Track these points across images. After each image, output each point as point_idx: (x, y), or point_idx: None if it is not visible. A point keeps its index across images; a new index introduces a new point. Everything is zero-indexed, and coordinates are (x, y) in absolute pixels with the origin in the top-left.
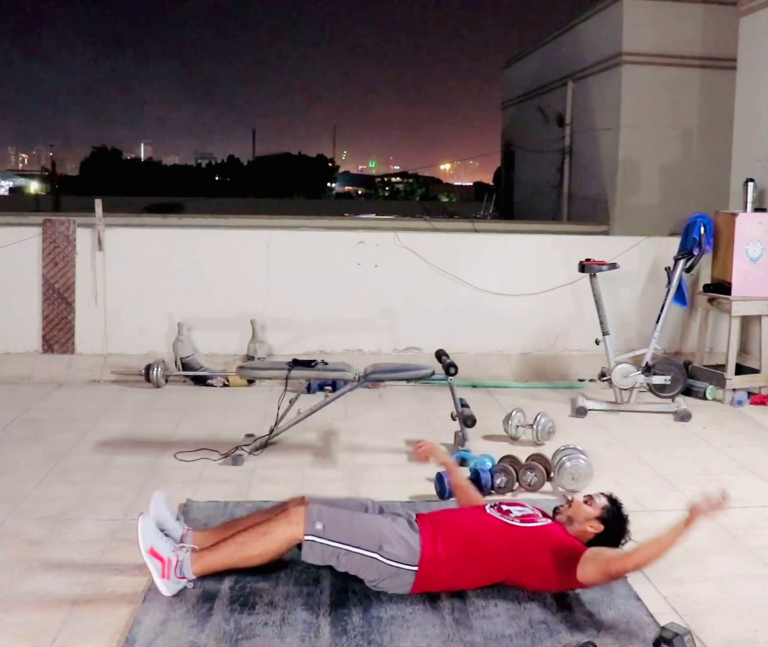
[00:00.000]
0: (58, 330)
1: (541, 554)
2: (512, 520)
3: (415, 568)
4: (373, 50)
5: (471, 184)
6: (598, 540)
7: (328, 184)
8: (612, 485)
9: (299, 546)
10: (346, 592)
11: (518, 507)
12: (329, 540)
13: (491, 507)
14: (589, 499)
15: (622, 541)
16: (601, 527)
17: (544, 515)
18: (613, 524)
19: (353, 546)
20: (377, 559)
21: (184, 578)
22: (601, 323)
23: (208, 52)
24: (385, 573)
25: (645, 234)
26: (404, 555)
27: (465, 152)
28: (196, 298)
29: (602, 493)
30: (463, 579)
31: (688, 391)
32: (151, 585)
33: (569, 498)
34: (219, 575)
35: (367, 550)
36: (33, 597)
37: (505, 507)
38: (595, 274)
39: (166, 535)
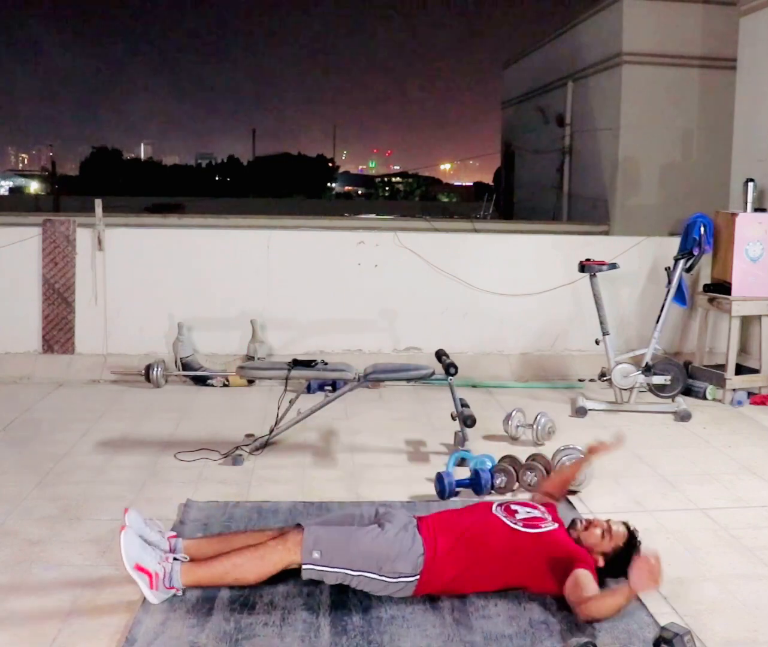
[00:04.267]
0: (58, 331)
1: (540, 560)
2: (515, 523)
3: (417, 577)
4: (373, 50)
5: (471, 184)
6: (602, 566)
7: (328, 184)
8: (612, 485)
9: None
10: (346, 592)
11: (526, 509)
12: (328, 566)
13: (498, 506)
14: (607, 534)
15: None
16: (602, 564)
17: (554, 518)
18: (616, 565)
19: (353, 570)
20: (377, 579)
21: (173, 588)
22: (601, 323)
23: (208, 52)
24: (390, 588)
25: (645, 234)
26: (405, 569)
27: (465, 152)
28: (196, 298)
29: (624, 525)
30: (465, 581)
31: (688, 391)
32: None
33: (590, 520)
34: None
35: (367, 572)
36: (33, 597)
37: (513, 507)
38: (595, 274)
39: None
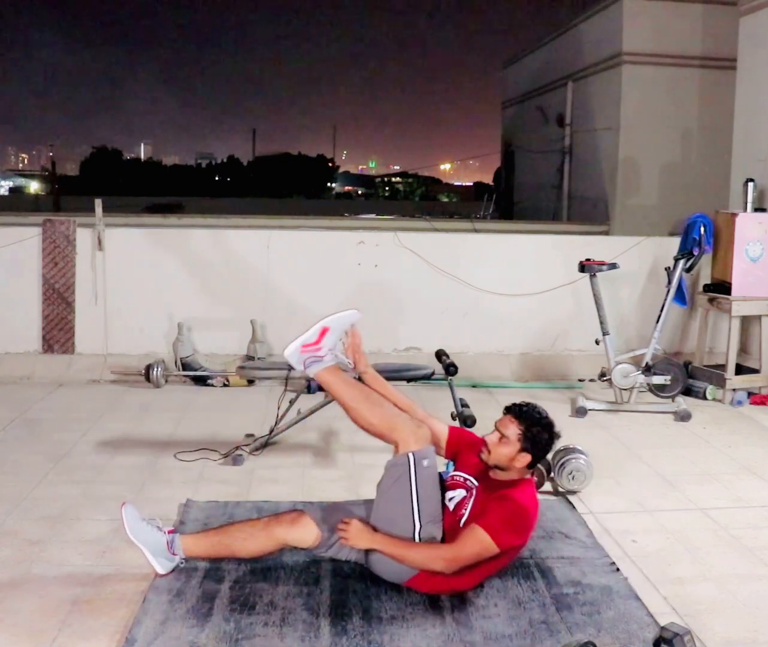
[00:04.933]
0: (58, 330)
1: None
2: (454, 513)
3: None
4: (373, 50)
5: (471, 184)
6: (533, 464)
7: (328, 184)
8: (612, 485)
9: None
10: (346, 592)
11: (455, 491)
12: (419, 479)
13: (449, 500)
14: (500, 434)
15: (553, 446)
16: (528, 456)
17: (479, 475)
18: (537, 445)
19: (418, 506)
20: (414, 529)
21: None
22: (601, 323)
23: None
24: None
25: (645, 234)
26: (432, 533)
27: (465, 152)
28: (196, 298)
29: (507, 409)
30: (457, 580)
31: (688, 391)
32: (151, 585)
33: (484, 442)
34: (219, 575)
35: (419, 518)
36: (33, 597)
37: (449, 493)
38: (595, 274)
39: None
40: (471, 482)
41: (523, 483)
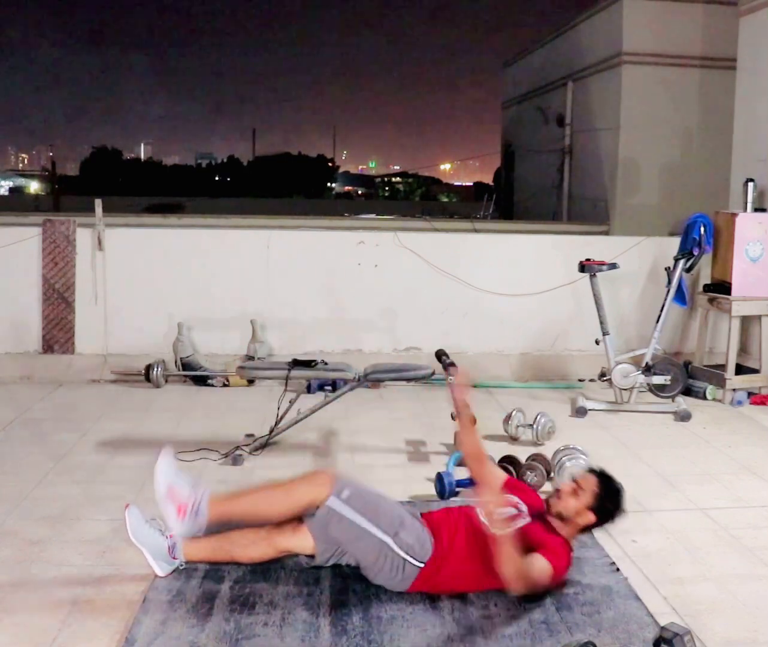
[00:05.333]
0: (58, 330)
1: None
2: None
3: (422, 564)
4: (373, 50)
5: (471, 184)
6: (590, 529)
7: (328, 184)
8: None
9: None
10: (346, 592)
11: (504, 508)
12: (352, 509)
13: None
14: (577, 488)
15: (618, 518)
16: (593, 518)
17: (531, 510)
18: (605, 511)
19: (372, 524)
20: (388, 545)
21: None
22: (601, 323)
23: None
24: (389, 563)
25: (645, 234)
26: (416, 549)
27: (465, 152)
28: (196, 298)
29: (591, 470)
30: (460, 582)
31: (688, 391)
32: (151, 585)
33: (557, 488)
34: (219, 575)
35: (383, 532)
36: (33, 597)
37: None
38: (595, 274)
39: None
40: (523, 507)
41: (569, 543)
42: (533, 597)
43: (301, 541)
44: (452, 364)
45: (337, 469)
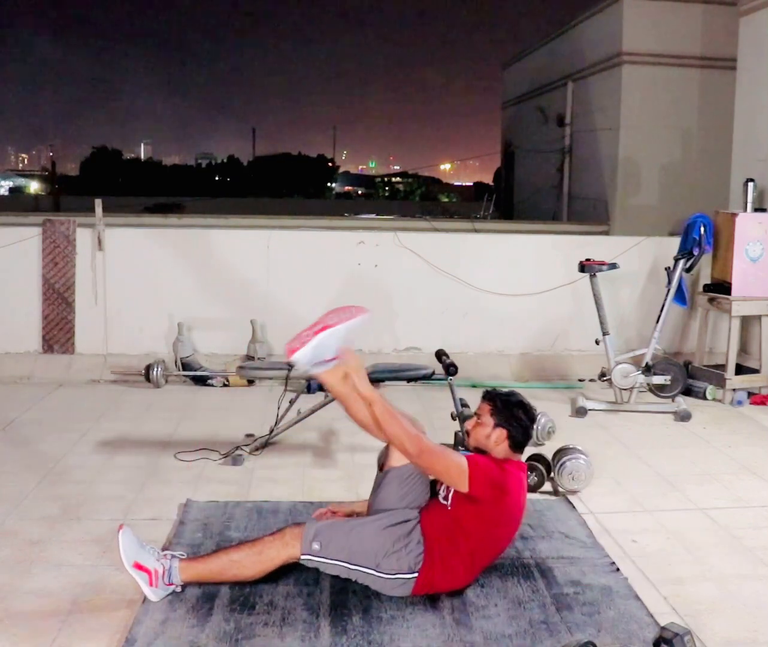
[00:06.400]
0: (58, 330)
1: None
2: (444, 500)
3: (415, 575)
4: (373, 50)
5: (471, 184)
6: (514, 442)
7: (328, 184)
8: (612, 485)
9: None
10: (346, 592)
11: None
12: (326, 559)
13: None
14: (477, 418)
15: (531, 424)
16: (504, 431)
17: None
18: (510, 419)
19: (351, 564)
20: (374, 575)
21: (172, 584)
22: (601, 323)
23: (208, 52)
24: (387, 584)
25: (645, 234)
26: (402, 567)
27: (465, 152)
28: (196, 298)
29: (483, 398)
30: (454, 578)
31: (688, 391)
32: None
33: (466, 430)
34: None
35: (365, 567)
36: (33, 597)
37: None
38: (595, 274)
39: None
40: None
41: (511, 462)
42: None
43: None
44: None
45: (307, 521)
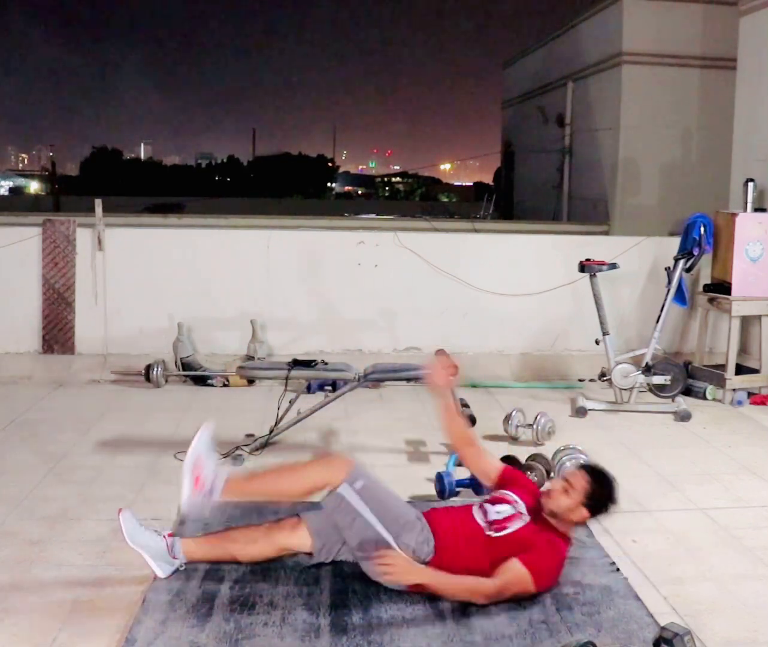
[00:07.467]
0: (58, 331)
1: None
2: (488, 527)
3: (422, 566)
4: (373, 50)
5: (471, 184)
6: (586, 522)
7: (328, 184)
8: None
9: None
10: (346, 592)
11: (501, 505)
12: (361, 500)
13: (478, 507)
14: (567, 485)
15: (612, 509)
16: (587, 513)
17: (530, 510)
18: (599, 505)
19: (377, 519)
20: (389, 544)
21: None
22: (601, 323)
23: (209, 52)
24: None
25: (645, 234)
26: (417, 550)
27: (465, 152)
28: (196, 298)
29: (581, 466)
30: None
31: (688, 391)
32: (151, 585)
33: (548, 488)
34: (219, 576)
35: (386, 530)
36: (33, 597)
37: (486, 506)
38: (595, 274)
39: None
40: (520, 506)
41: (567, 538)
42: (527, 597)
43: (299, 539)
44: (441, 351)
45: (356, 459)
